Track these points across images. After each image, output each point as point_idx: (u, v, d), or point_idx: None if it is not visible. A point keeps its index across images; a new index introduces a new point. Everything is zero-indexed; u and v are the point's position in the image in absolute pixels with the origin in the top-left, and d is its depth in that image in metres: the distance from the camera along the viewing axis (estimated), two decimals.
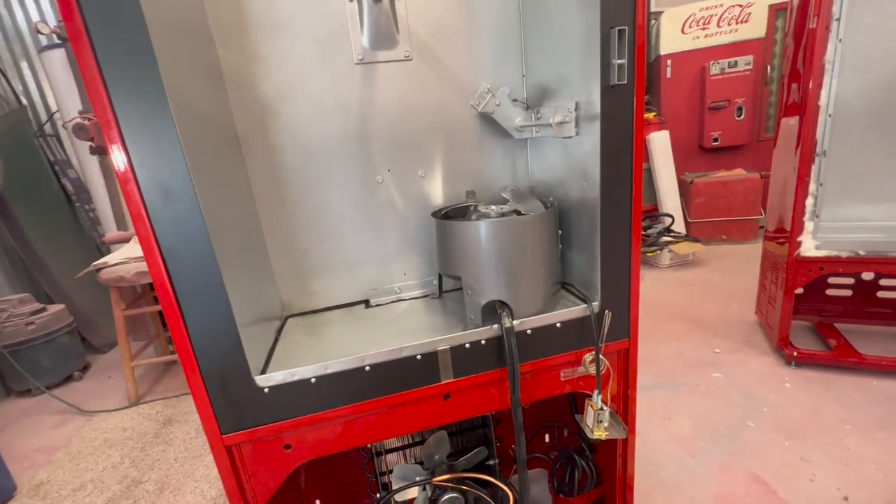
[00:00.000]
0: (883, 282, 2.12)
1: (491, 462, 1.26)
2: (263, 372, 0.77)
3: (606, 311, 0.87)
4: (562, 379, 0.92)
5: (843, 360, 1.87)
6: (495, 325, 0.83)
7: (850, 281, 2.15)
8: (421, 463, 1.21)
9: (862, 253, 1.72)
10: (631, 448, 1.01)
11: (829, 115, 1.66)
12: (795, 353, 1.91)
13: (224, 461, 0.76)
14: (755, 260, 2.31)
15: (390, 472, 1.26)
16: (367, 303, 1.08)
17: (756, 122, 3.79)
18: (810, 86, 1.64)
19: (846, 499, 1.30)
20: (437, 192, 1.06)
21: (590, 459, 1.21)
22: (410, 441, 1.29)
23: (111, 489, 1.69)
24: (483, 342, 0.83)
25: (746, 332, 2.29)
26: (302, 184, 0.98)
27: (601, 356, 0.87)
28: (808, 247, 1.79)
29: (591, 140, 0.81)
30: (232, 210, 0.80)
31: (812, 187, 1.74)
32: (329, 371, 0.77)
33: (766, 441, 1.55)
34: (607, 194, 0.82)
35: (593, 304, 0.87)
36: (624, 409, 0.99)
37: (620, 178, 0.82)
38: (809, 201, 1.75)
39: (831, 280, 2.18)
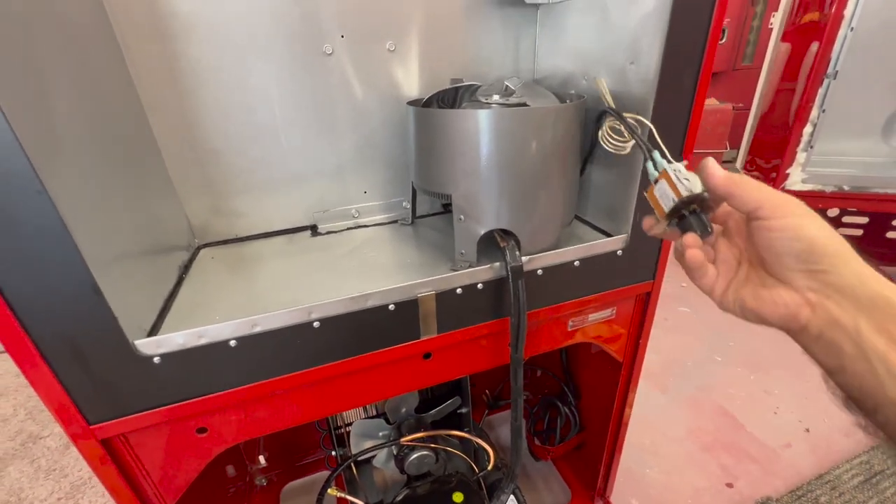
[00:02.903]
0: (846, 218, 2.12)
1: (463, 410, 1.11)
2: (153, 333, 0.50)
3: None
4: (569, 328, 0.74)
5: None
6: (496, 264, 0.60)
7: (864, 220, 2.09)
8: (383, 415, 1.04)
9: (846, 188, 1.65)
10: (634, 385, 0.88)
11: (851, 29, 1.46)
12: None
13: (99, 458, 0.51)
14: None
15: (347, 425, 1.08)
16: (313, 229, 0.80)
17: (735, 48, 3.59)
18: None
19: (808, 430, 1.32)
20: (411, 77, 0.76)
21: (572, 405, 1.10)
22: None
23: (2, 446, 1.40)
24: (480, 286, 0.61)
25: None
26: (207, 51, 0.64)
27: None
28: (795, 180, 1.69)
29: None
30: (72, 87, 0.47)
31: (814, 114, 1.59)
32: (258, 329, 0.51)
33: (732, 375, 1.55)
34: (667, 82, 0.57)
35: (620, 236, 0.67)
36: (631, 362, 0.84)
37: (689, 56, 0.57)
38: (807, 129, 1.61)
39: (845, 219, 2.13)
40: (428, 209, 0.87)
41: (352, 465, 1.00)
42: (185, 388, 0.51)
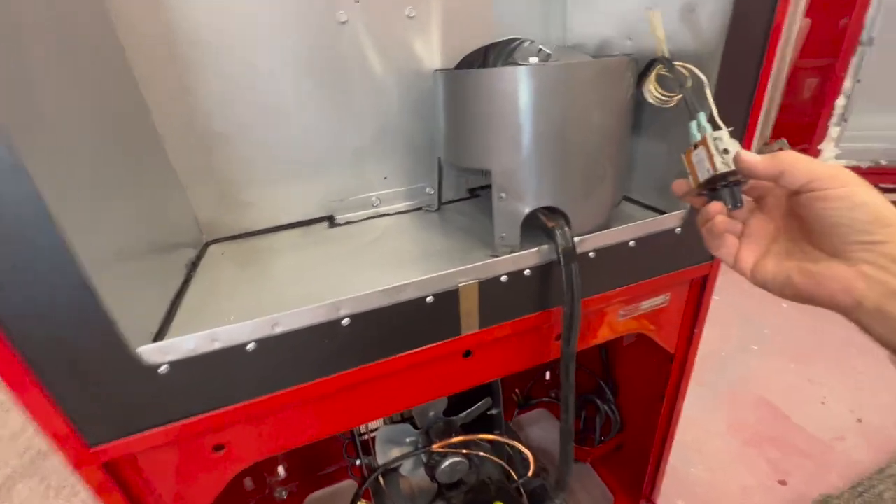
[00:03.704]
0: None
1: (494, 411, 1.04)
2: (158, 338, 0.43)
3: None
4: (620, 318, 0.66)
5: None
6: (544, 246, 0.53)
7: None
8: (410, 419, 0.97)
9: (884, 163, 1.56)
10: (686, 379, 0.80)
11: None
12: None
13: (99, 485, 0.44)
14: None
15: (372, 432, 1.01)
16: (331, 220, 0.73)
17: None
18: None
19: (860, 420, 1.23)
20: (432, 47, 0.69)
21: (612, 402, 1.02)
22: None
23: (11, 463, 1.35)
24: (527, 272, 0.53)
25: None
26: (209, 20, 0.57)
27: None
28: (828, 156, 1.61)
29: None
30: (52, 51, 0.40)
31: (847, 85, 1.50)
32: (279, 330, 0.44)
33: (771, 365, 1.46)
34: (735, 34, 0.50)
35: (678, 212, 0.59)
36: (684, 354, 0.76)
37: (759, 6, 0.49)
38: (840, 102, 1.53)
39: None
40: (454, 194, 0.80)
41: (378, 475, 0.94)
42: (198, 400, 0.44)
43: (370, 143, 0.72)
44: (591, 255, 0.56)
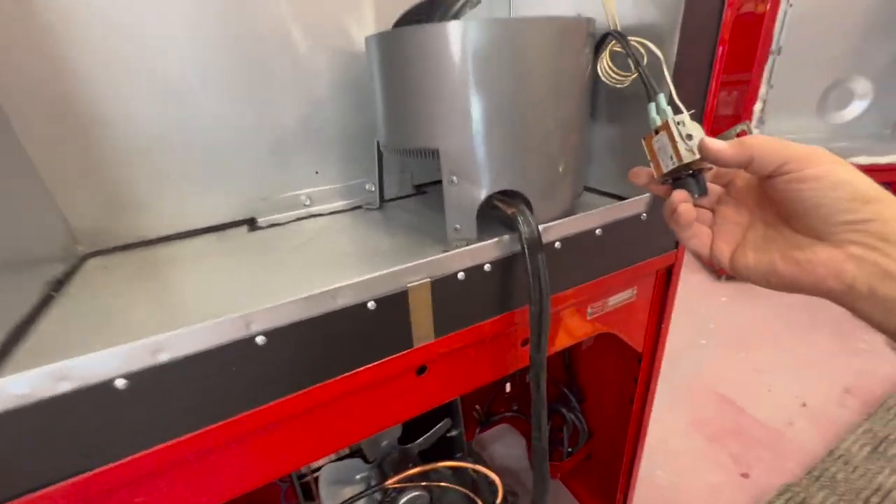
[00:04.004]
0: None
1: (454, 432, 0.94)
2: None
3: None
4: (588, 317, 0.60)
5: None
6: (505, 237, 0.45)
7: None
8: (358, 452, 0.85)
9: None
10: (655, 378, 0.76)
11: (790, 5, 1.50)
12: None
13: None
14: None
15: (314, 472, 0.87)
16: (251, 223, 0.62)
17: None
18: None
19: (804, 405, 1.28)
20: (365, 20, 0.60)
21: (577, 410, 0.97)
22: None
23: None
24: (486, 268, 0.45)
25: None
26: None
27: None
28: None
29: None
30: None
31: (762, 90, 1.62)
32: (164, 358, 0.32)
33: (720, 357, 1.50)
34: (695, 5, 0.47)
35: (641, 197, 0.54)
36: (652, 352, 0.72)
37: None
38: (758, 106, 1.64)
39: None
40: (398, 191, 0.71)
41: None
42: (43, 469, 0.31)
43: (296, 133, 0.61)
44: (557, 245, 0.49)
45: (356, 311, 0.39)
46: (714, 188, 0.39)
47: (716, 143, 0.33)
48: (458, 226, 0.48)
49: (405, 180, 0.72)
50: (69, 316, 0.40)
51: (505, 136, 0.44)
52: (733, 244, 0.37)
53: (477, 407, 1.12)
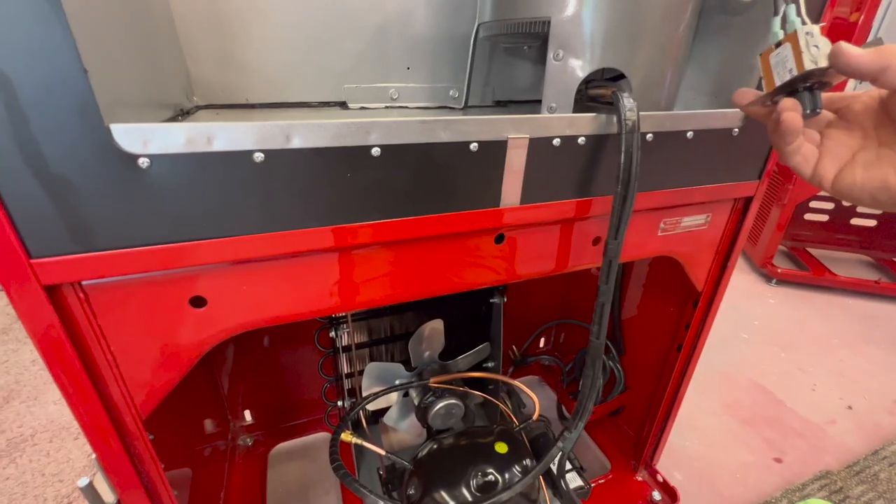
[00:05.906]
0: (859, 209, 2.09)
1: (491, 364, 0.96)
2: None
3: None
4: (659, 233, 0.60)
5: (819, 278, 1.84)
6: (603, 115, 0.46)
7: (830, 206, 2.09)
8: (403, 361, 0.88)
9: None
10: (710, 322, 0.75)
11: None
12: (780, 271, 1.84)
13: (41, 320, 0.34)
14: None
15: (356, 374, 0.91)
16: (342, 105, 0.65)
17: None
18: None
19: (850, 408, 1.22)
20: None
21: (616, 360, 0.96)
22: (387, 334, 0.94)
23: None
24: (581, 140, 0.46)
25: None
26: None
27: None
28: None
29: None
30: None
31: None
32: (296, 144, 0.36)
33: (762, 352, 1.45)
34: None
35: (735, 110, 0.54)
36: (713, 291, 0.71)
37: None
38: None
39: (812, 204, 2.11)
40: (479, 101, 0.73)
41: (361, 415, 0.84)
42: (184, 220, 0.35)
43: (397, 20, 0.64)
44: (649, 137, 0.49)
45: (459, 149, 0.41)
46: (824, 115, 0.38)
47: (853, 48, 0.32)
48: (554, 104, 0.49)
49: (487, 93, 0.73)
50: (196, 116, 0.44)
51: (619, 13, 0.45)
52: (840, 163, 0.37)
53: (514, 347, 1.14)
